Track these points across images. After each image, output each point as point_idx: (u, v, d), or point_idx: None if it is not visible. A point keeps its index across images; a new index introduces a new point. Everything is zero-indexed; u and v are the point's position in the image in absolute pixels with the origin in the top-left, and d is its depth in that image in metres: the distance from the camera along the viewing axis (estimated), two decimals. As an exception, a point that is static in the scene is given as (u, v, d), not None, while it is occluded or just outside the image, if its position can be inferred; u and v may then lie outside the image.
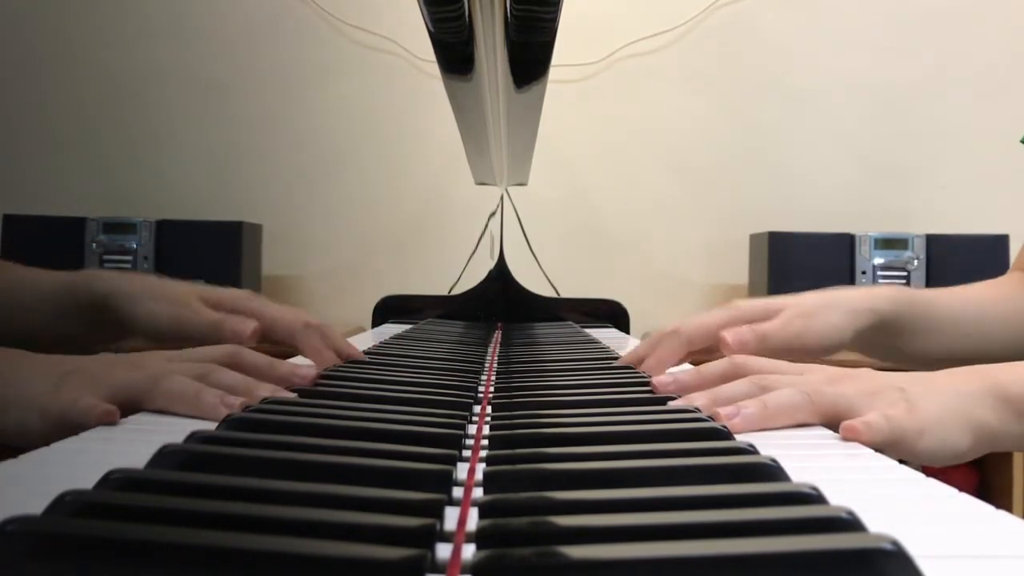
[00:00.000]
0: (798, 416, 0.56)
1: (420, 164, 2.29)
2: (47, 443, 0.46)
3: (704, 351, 0.82)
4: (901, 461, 0.47)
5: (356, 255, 2.30)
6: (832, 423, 0.55)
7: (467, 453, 0.45)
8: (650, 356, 0.79)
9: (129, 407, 0.56)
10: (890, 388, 0.56)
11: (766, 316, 0.80)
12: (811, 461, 0.46)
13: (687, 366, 0.80)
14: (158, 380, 0.57)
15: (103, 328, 0.85)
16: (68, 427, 0.52)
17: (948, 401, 0.55)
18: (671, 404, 0.58)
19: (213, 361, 0.62)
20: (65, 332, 0.86)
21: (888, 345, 0.87)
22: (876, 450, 0.49)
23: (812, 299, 0.82)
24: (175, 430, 0.45)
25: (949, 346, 0.86)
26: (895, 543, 0.26)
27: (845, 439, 0.52)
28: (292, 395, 0.60)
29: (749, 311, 0.81)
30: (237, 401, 0.56)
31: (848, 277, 1.94)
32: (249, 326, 0.79)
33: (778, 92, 2.31)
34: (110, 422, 0.53)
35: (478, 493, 0.36)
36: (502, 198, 1.64)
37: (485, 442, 0.47)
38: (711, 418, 0.53)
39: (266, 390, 0.59)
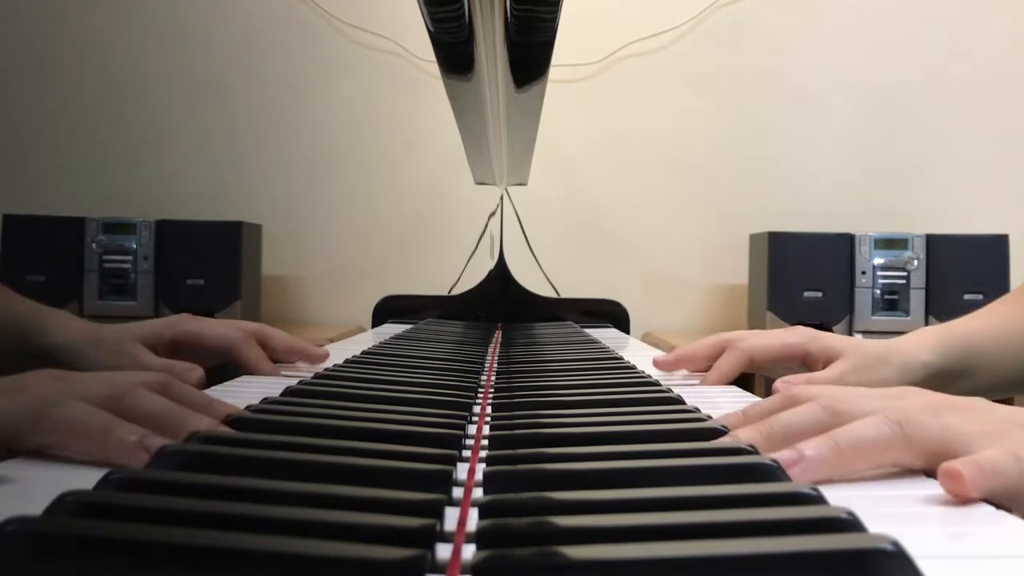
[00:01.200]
0: (887, 455, 0.42)
1: (420, 164, 2.29)
2: None
3: (758, 370, 0.81)
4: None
5: (356, 255, 2.30)
6: (937, 466, 0.40)
7: (467, 453, 0.45)
8: (712, 372, 0.78)
9: (3, 444, 0.43)
10: (1008, 423, 0.43)
11: (823, 352, 0.79)
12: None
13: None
14: (46, 407, 0.43)
15: (24, 365, 0.72)
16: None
17: None
18: (720, 442, 0.46)
19: (136, 385, 0.48)
20: None
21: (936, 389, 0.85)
22: (997, 506, 0.37)
23: (870, 350, 0.79)
24: (175, 430, 0.45)
25: (990, 381, 0.84)
26: (895, 543, 0.26)
27: (948, 490, 0.38)
28: (227, 431, 0.47)
29: (811, 340, 0.79)
30: (157, 442, 0.41)
31: (848, 277, 1.94)
32: (195, 376, 0.72)
33: (778, 92, 2.31)
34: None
35: (478, 493, 0.36)
36: (502, 198, 1.64)
37: (485, 442, 0.47)
38: (711, 417, 0.53)
39: (203, 423, 0.46)
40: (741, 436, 0.46)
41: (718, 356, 0.81)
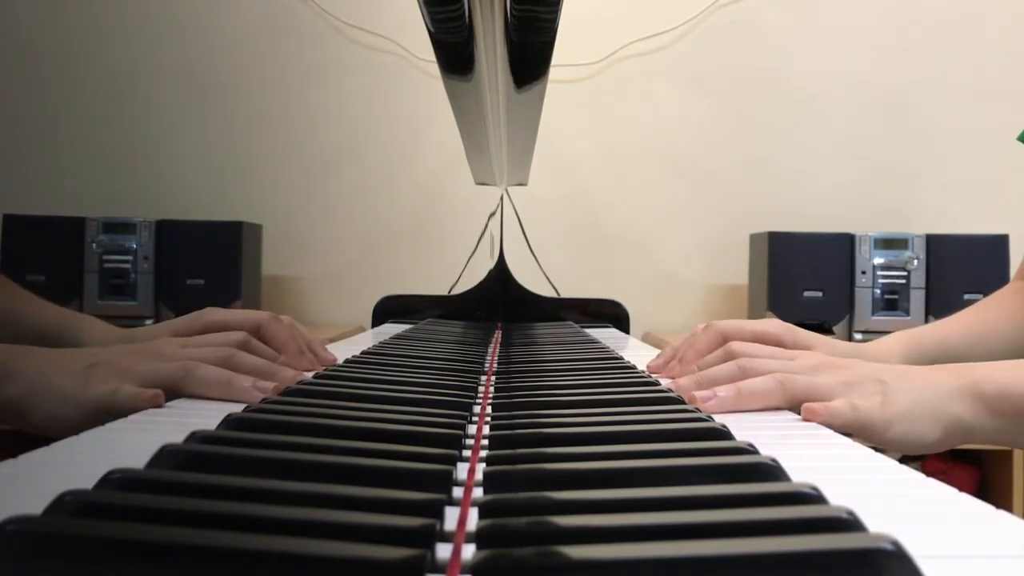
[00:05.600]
0: (769, 401, 0.62)
1: (420, 164, 2.29)
2: (79, 431, 0.48)
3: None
4: (877, 449, 0.50)
5: (356, 255, 2.30)
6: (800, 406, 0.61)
7: (467, 453, 0.45)
8: (689, 349, 0.81)
9: (166, 390, 0.60)
10: (871, 380, 0.61)
11: (795, 345, 0.82)
12: (812, 460, 0.46)
13: None
14: (190, 369, 0.61)
15: None
16: (104, 416, 0.55)
17: (922, 397, 0.60)
18: (662, 383, 0.64)
19: (229, 345, 0.67)
20: None
21: None
22: (844, 434, 0.55)
23: (841, 349, 0.84)
24: (175, 430, 0.45)
25: None
26: (895, 543, 0.26)
27: (805, 420, 0.58)
28: (308, 375, 0.65)
29: (785, 332, 0.82)
30: (270, 385, 0.61)
31: (848, 277, 1.94)
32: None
33: (778, 92, 2.31)
34: (156, 405, 0.57)
35: (478, 493, 0.36)
36: (502, 198, 1.64)
37: (485, 442, 0.47)
38: (711, 418, 0.53)
39: (287, 374, 0.65)
40: (680, 383, 0.66)
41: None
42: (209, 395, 0.61)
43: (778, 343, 0.83)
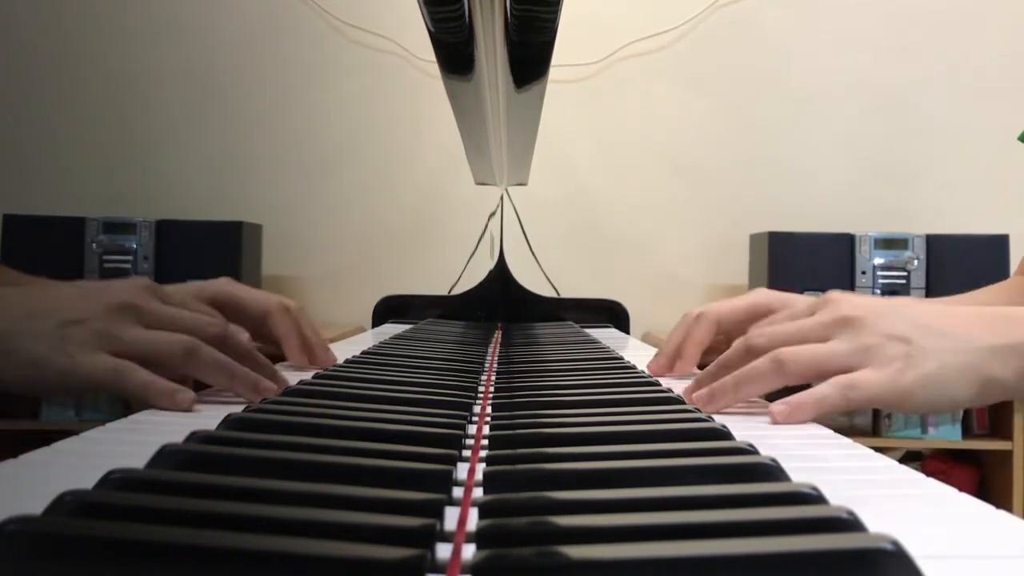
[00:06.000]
0: (770, 385, 0.57)
1: (420, 164, 2.29)
2: (52, 395, 0.46)
3: (727, 339, 0.82)
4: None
5: (356, 255, 2.30)
6: (818, 381, 0.56)
7: (467, 453, 0.45)
8: (687, 341, 0.80)
9: (149, 367, 0.55)
10: (893, 341, 0.55)
11: (785, 309, 0.81)
12: (812, 461, 0.46)
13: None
14: (193, 350, 0.57)
15: None
16: (87, 390, 0.53)
17: (955, 357, 0.54)
18: (663, 383, 0.61)
19: (202, 336, 0.59)
20: None
21: None
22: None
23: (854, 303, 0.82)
24: (175, 430, 0.45)
25: None
26: (895, 543, 0.26)
27: (777, 422, 0.54)
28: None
29: (776, 300, 0.80)
30: (273, 387, 0.59)
31: (848, 277, 1.94)
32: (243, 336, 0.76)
33: (778, 92, 2.30)
34: (186, 409, 0.54)
35: (478, 493, 0.36)
36: (502, 198, 1.64)
37: (485, 442, 0.47)
38: (711, 418, 0.53)
39: (251, 380, 0.59)
40: (716, 392, 0.59)
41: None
42: (209, 381, 0.58)
43: (769, 311, 0.82)
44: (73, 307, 0.56)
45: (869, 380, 0.54)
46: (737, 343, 0.62)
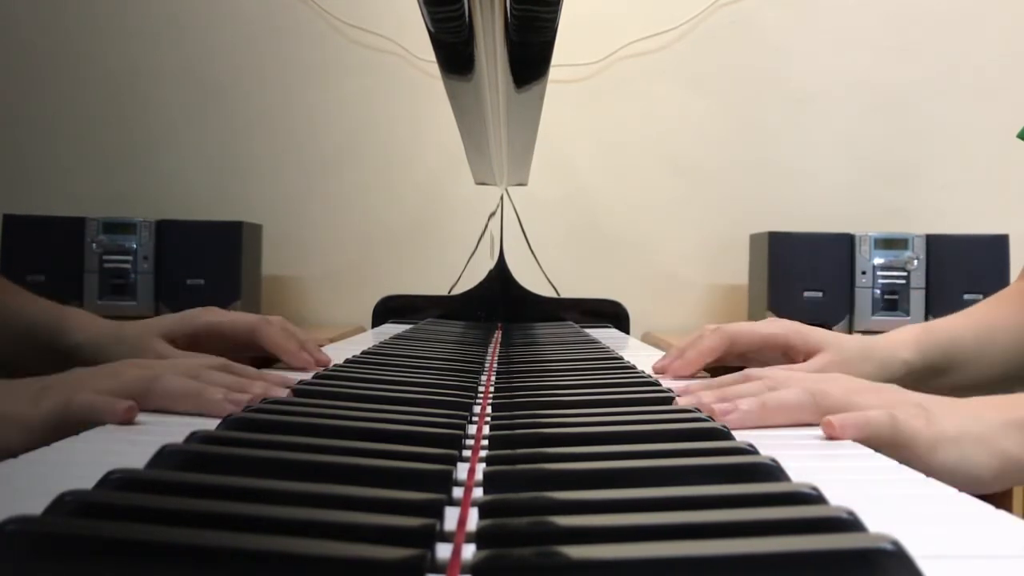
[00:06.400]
0: (800, 416, 0.55)
1: (420, 164, 2.29)
2: (24, 450, 0.44)
3: (738, 357, 0.83)
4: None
5: (356, 255, 2.30)
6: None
7: (467, 453, 0.45)
8: (692, 348, 0.80)
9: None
10: (911, 404, 0.55)
11: (805, 345, 0.81)
12: (812, 461, 0.46)
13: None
14: (155, 379, 0.56)
15: (46, 363, 0.76)
16: (56, 433, 0.49)
17: (970, 424, 0.53)
18: (678, 402, 0.58)
19: (205, 367, 0.61)
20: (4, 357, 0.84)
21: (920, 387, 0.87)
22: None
23: (851, 345, 0.82)
24: (175, 430, 0.45)
25: (970, 378, 0.85)
26: (895, 543, 0.26)
27: (832, 436, 0.51)
28: (285, 391, 0.60)
29: (794, 333, 0.81)
30: (244, 397, 0.56)
31: (848, 277, 1.94)
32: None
33: (778, 92, 2.31)
34: (128, 420, 0.51)
35: (478, 493, 0.36)
36: (502, 198, 1.64)
37: (485, 442, 0.47)
38: (710, 417, 0.53)
39: (259, 387, 0.59)
40: (701, 397, 0.59)
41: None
42: (175, 407, 0.55)
43: (786, 343, 0.83)
44: (68, 376, 0.56)
45: (910, 423, 0.53)
46: (740, 376, 0.63)
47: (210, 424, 0.48)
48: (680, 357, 0.82)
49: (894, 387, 0.59)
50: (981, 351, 0.85)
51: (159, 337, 0.82)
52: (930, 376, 0.83)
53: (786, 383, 0.58)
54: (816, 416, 0.55)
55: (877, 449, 0.49)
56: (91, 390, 0.53)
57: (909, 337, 0.84)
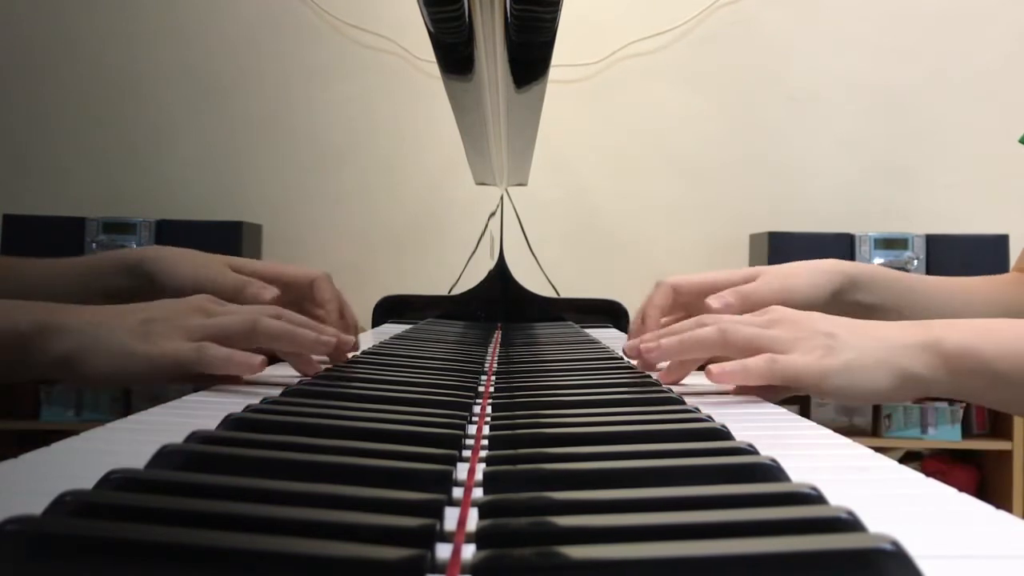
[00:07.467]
0: (712, 351, 0.64)
1: (420, 164, 2.29)
2: (142, 384, 0.49)
3: (684, 308, 0.85)
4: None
5: (356, 255, 2.30)
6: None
7: (467, 453, 0.45)
8: (647, 305, 0.84)
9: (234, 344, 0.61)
10: (819, 334, 0.63)
11: (745, 280, 0.84)
12: (812, 460, 0.46)
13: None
14: (256, 322, 0.62)
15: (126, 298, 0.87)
16: (179, 373, 0.58)
17: (871, 351, 0.61)
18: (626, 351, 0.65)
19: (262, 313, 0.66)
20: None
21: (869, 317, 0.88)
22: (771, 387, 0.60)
23: (788, 265, 0.86)
24: (175, 430, 0.45)
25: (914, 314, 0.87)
26: (895, 543, 0.26)
27: (715, 381, 0.62)
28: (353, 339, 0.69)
29: (732, 275, 0.83)
30: (330, 340, 0.63)
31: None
32: (269, 292, 0.82)
33: (778, 92, 2.30)
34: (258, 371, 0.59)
35: (478, 493, 0.36)
36: (502, 198, 1.64)
37: (485, 442, 0.47)
38: (709, 417, 0.53)
39: (310, 335, 0.65)
40: (644, 339, 0.68)
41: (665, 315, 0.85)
42: (276, 346, 0.63)
43: (728, 283, 0.85)
44: (150, 308, 0.63)
45: (793, 359, 0.61)
46: (690, 320, 0.70)
47: (210, 424, 0.48)
48: (642, 323, 0.84)
49: (817, 316, 0.65)
50: (943, 303, 0.87)
51: (226, 266, 0.87)
52: (873, 308, 0.85)
53: (718, 323, 0.65)
54: (723, 349, 0.64)
55: (762, 386, 0.61)
56: (197, 332, 0.60)
57: (860, 264, 0.89)
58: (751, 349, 0.62)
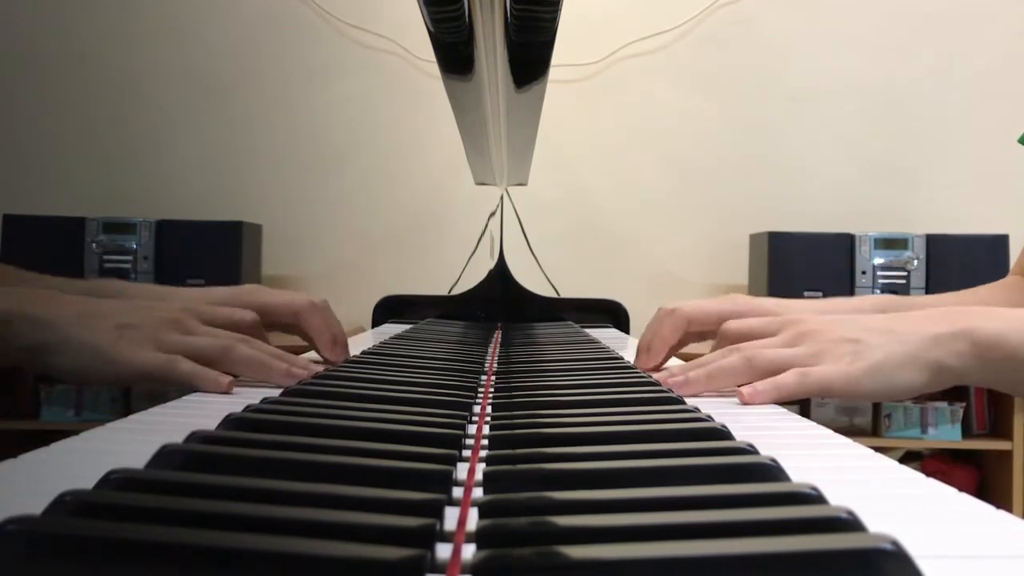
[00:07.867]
0: (739, 378, 0.64)
1: (420, 164, 2.29)
2: (105, 385, 0.49)
3: (699, 336, 0.84)
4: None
5: (356, 255, 2.30)
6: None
7: (467, 453, 0.45)
8: (654, 337, 0.81)
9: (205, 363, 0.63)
10: (844, 341, 0.63)
11: (763, 319, 0.81)
12: (812, 460, 0.46)
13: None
14: (229, 348, 0.64)
15: None
16: (144, 381, 0.60)
17: (901, 346, 0.61)
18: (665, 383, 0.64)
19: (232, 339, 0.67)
20: None
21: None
22: (798, 401, 0.59)
23: (800, 307, 0.85)
24: (175, 430, 0.45)
25: None
26: (895, 543, 0.26)
27: (746, 403, 0.61)
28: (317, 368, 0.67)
29: (746, 307, 0.82)
30: (302, 372, 0.64)
31: (848, 277, 1.94)
32: (248, 317, 0.77)
33: (778, 92, 2.30)
34: (226, 392, 0.60)
35: (478, 493, 0.36)
36: (502, 198, 1.64)
37: (485, 442, 0.47)
38: (710, 417, 0.53)
39: (282, 367, 0.65)
40: (691, 377, 0.66)
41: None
42: (246, 374, 0.64)
43: (748, 314, 0.84)
44: (126, 314, 0.64)
45: (822, 370, 0.62)
46: (722, 351, 0.69)
47: (210, 424, 0.48)
48: (648, 351, 0.82)
49: (842, 322, 0.66)
50: None
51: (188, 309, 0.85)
52: None
53: (749, 349, 0.65)
54: (752, 376, 0.63)
55: (792, 400, 0.61)
56: (169, 346, 0.62)
57: (877, 300, 0.88)
58: (779, 372, 0.63)
